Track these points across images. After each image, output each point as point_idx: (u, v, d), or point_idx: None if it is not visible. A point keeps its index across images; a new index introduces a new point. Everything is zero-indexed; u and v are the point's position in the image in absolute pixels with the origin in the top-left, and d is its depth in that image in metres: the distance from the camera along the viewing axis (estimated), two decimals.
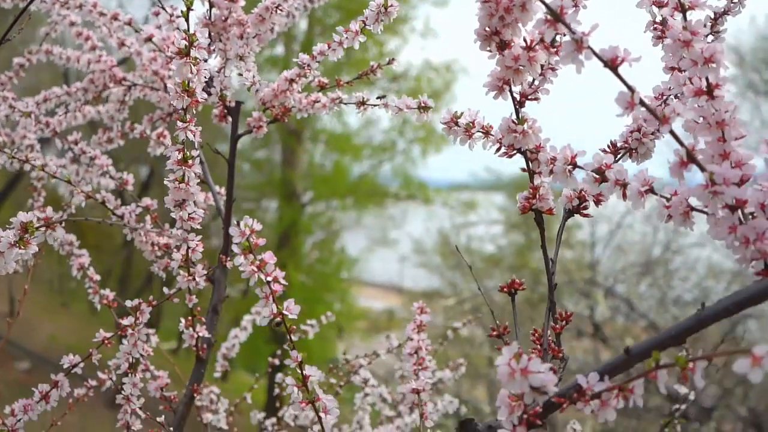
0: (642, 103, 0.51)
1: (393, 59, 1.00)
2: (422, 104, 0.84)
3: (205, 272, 0.91)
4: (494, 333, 0.62)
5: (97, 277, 1.09)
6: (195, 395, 0.99)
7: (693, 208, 0.55)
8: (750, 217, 0.53)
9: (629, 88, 0.51)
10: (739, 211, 0.53)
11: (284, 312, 0.63)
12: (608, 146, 0.69)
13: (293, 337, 0.65)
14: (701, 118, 0.54)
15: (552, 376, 0.51)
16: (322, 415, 0.65)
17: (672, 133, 0.51)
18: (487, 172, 10.62)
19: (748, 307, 0.49)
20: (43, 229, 0.66)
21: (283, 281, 0.63)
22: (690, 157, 0.51)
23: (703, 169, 0.51)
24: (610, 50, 0.51)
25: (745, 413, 6.23)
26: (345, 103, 0.96)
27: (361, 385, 1.33)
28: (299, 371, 0.65)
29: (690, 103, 0.55)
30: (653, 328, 6.30)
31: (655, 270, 6.44)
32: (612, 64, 0.51)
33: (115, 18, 1.10)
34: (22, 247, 0.67)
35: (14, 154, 0.95)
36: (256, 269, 0.62)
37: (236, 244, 0.61)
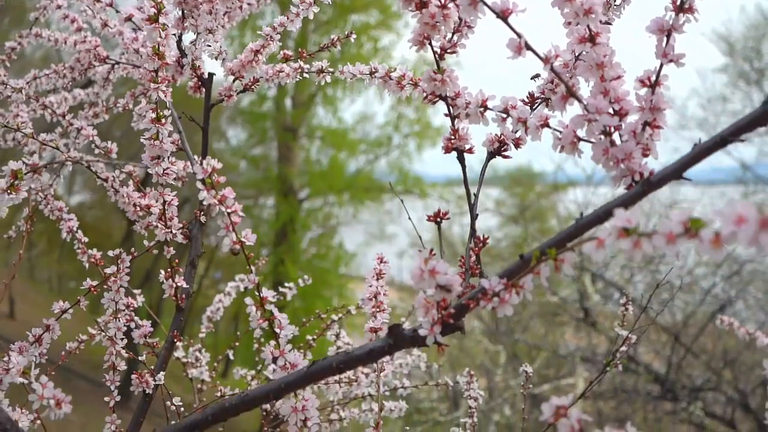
0: (527, 47, 0.61)
1: (351, 33, 1.10)
2: (372, 70, 0.94)
3: (181, 225, 1.00)
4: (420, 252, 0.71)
5: (85, 239, 1.18)
6: (175, 341, 1.09)
7: (580, 138, 0.64)
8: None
9: (517, 34, 0.61)
10: (618, 138, 0.63)
11: (243, 239, 0.73)
12: (527, 96, 0.79)
13: (251, 267, 0.75)
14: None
15: (456, 277, 0.61)
16: (277, 330, 0.75)
17: (553, 70, 0.61)
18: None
19: None
20: (30, 174, 0.76)
21: (241, 213, 0.73)
22: (569, 92, 0.61)
23: (580, 101, 0.61)
24: (501, 3, 0.60)
25: (735, 395, 6.35)
26: (307, 72, 1.06)
27: (332, 339, 1.43)
28: (257, 293, 0.75)
29: (577, 49, 0.65)
30: (643, 311, 6.40)
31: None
32: (503, 15, 0.60)
33: (97, 0, 1.19)
34: (13, 192, 0.77)
35: (6, 123, 1.05)
36: (217, 202, 0.72)
37: (200, 180, 0.71)
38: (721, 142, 0.56)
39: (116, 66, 1.30)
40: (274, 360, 0.74)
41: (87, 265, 1.17)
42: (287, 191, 11.02)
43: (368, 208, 11.90)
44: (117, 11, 1.18)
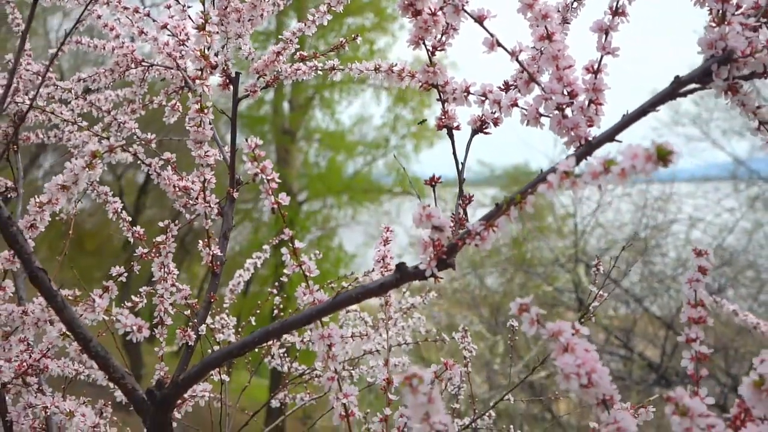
0: (498, 44, 0.80)
1: (357, 35, 1.29)
2: (377, 66, 1.13)
3: (218, 201, 1.19)
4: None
5: (129, 219, 1.37)
6: (212, 301, 1.28)
7: (541, 114, 0.83)
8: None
9: (491, 35, 0.80)
10: (570, 112, 0.82)
11: (279, 200, 0.92)
12: (503, 83, 0.97)
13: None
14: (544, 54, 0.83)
15: (447, 220, 0.80)
16: (306, 273, 0.94)
17: (518, 62, 0.80)
18: (480, 166, 10.96)
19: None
20: (108, 153, 0.95)
21: (277, 180, 0.91)
22: (531, 78, 0.80)
23: (539, 85, 0.80)
24: (477, 11, 0.79)
25: (728, 381, 6.55)
26: (320, 70, 1.25)
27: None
28: (291, 245, 0.94)
29: (539, 45, 0.84)
30: (637, 302, 6.63)
31: (636, 246, 6.77)
32: (480, 20, 0.79)
33: (136, 11, 1.38)
34: (91, 170, 0.96)
35: (60, 115, 1.23)
36: (260, 171, 0.90)
37: (245, 154, 0.90)
38: (642, 112, 0.75)
39: (150, 68, 1.49)
40: (304, 296, 0.93)
41: (132, 240, 1.35)
42: (286, 194, 11.18)
43: (367, 209, 12.08)
44: (154, 20, 1.37)
